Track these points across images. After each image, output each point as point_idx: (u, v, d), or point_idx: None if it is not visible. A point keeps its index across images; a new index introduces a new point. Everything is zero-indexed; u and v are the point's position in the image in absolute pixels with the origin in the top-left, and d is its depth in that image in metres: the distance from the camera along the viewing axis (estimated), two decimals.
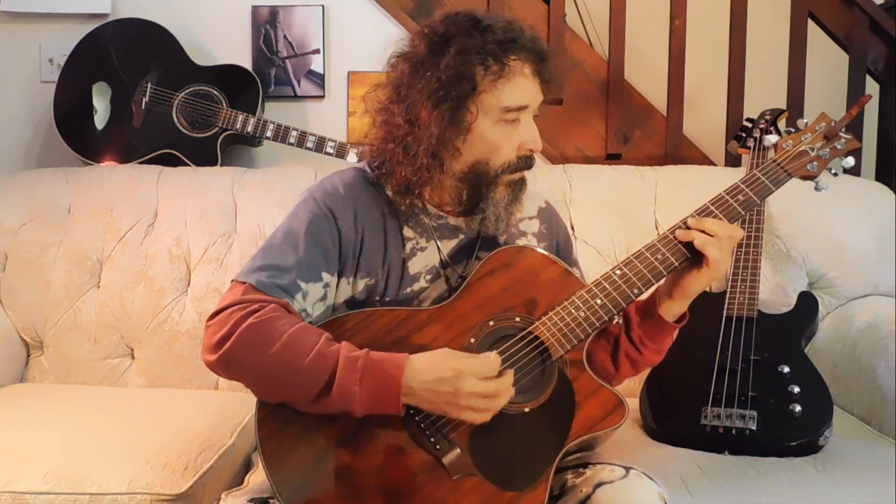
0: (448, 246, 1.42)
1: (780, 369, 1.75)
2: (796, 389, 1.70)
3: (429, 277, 1.40)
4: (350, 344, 1.23)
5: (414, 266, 1.39)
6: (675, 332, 1.45)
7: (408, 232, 1.40)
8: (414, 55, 1.34)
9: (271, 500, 1.28)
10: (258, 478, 1.54)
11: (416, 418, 1.24)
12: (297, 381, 1.21)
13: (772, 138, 1.48)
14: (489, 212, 1.36)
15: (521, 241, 1.48)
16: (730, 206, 1.38)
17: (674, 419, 1.76)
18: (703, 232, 1.34)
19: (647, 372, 1.89)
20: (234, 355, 1.23)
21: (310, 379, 1.20)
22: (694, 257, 1.35)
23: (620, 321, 1.36)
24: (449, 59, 1.30)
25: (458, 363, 1.20)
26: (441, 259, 1.41)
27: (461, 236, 1.43)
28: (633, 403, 1.33)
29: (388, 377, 1.19)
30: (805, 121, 1.46)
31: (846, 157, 1.44)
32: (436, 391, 1.19)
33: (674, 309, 1.41)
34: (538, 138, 1.36)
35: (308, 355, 1.20)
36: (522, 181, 1.40)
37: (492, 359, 1.22)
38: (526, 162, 1.37)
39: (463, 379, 1.18)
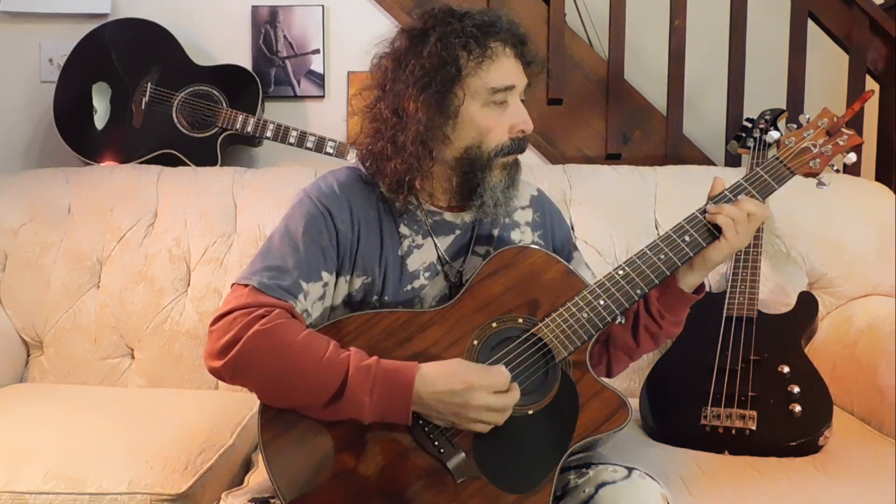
0: (444, 242, 1.42)
1: (780, 369, 1.75)
2: (796, 389, 1.70)
3: (427, 275, 1.40)
4: (360, 351, 1.23)
5: (412, 263, 1.39)
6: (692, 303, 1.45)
7: (404, 229, 1.40)
8: (396, 51, 1.36)
9: (272, 500, 1.28)
10: (258, 478, 1.54)
11: (420, 422, 1.24)
12: (306, 389, 1.21)
13: (774, 134, 1.47)
14: (487, 197, 1.36)
15: (515, 234, 1.48)
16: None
17: (674, 419, 1.76)
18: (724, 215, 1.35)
19: (647, 372, 1.90)
20: (240, 362, 1.22)
21: (319, 387, 1.20)
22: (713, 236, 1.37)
23: (623, 321, 1.36)
24: (431, 47, 1.31)
25: (470, 376, 1.20)
26: (438, 256, 1.41)
27: (457, 232, 1.43)
28: (633, 403, 1.32)
29: (399, 387, 1.19)
30: (807, 116, 1.45)
31: (848, 153, 1.43)
32: (446, 402, 1.20)
33: (691, 280, 1.41)
34: (528, 119, 1.36)
35: (317, 364, 1.20)
36: (517, 164, 1.41)
37: (503, 374, 1.23)
38: (519, 144, 1.37)
39: (473, 392, 1.19)
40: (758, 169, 1.41)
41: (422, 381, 1.20)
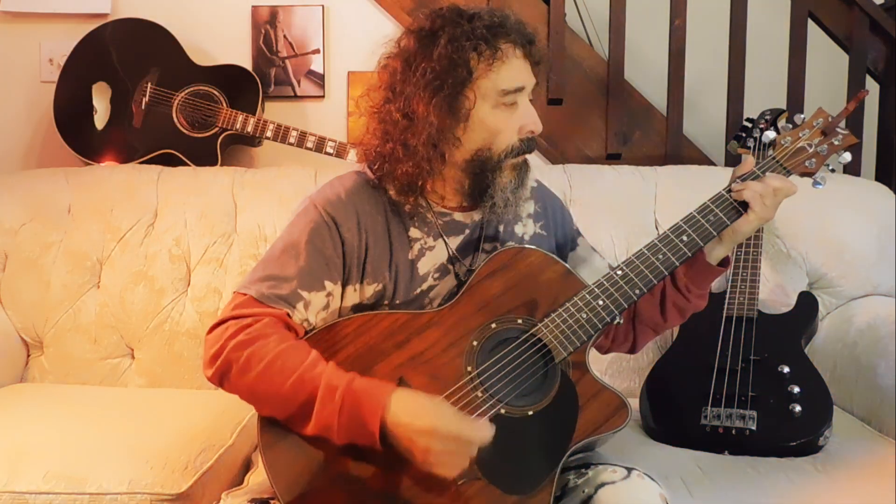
0: (455, 242, 1.42)
1: (780, 369, 1.75)
2: (796, 389, 1.70)
3: (437, 275, 1.39)
4: (336, 367, 1.22)
5: (423, 266, 1.39)
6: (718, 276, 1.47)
7: (414, 233, 1.39)
8: (405, 52, 1.34)
9: (272, 501, 1.28)
10: (258, 478, 1.54)
11: None
12: (277, 404, 1.22)
13: (770, 134, 1.48)
14: (497, 198, 1.36)
15: (518, 227, 1.48)
16: (729, 203, 1.38)
17: (674, 419, 1.76)
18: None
19: (647, 372, 1.90)
20: (224, 373, 1.25)
21: (289, 404, 1.21)
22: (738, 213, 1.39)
23: (621, 321, 1.36)
24: (441, 49, 1.30)
25: (437, 421, 1.16)
26: (449, 255, 1.41)
27: (466, 231, 1.43)
28: (633, 403, 1.32)
29: (366, 414, 1.17)
30: (803, 116, 1.46)
31: (843, 152, 1.44)
32: (410, 439, 1.16)
33: (719, 252, 1.43)
34: (538, 119, 1.36)
35: (289, 380, 1.20)
36: (526, 164, 1.40)
37: (485, 432, 1.17)
38: (528, 145, 1.37)
39: (436, 440, 1.15)
40: (754, 169, 1.41)
41: (390, 412, 1.16)
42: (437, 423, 1.16)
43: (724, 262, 1.45)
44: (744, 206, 1.38)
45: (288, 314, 1.29)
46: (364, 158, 1.42)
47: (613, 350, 1.55)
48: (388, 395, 1.18)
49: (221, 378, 1.26)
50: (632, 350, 1.55)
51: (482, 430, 1.18)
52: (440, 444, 1.16)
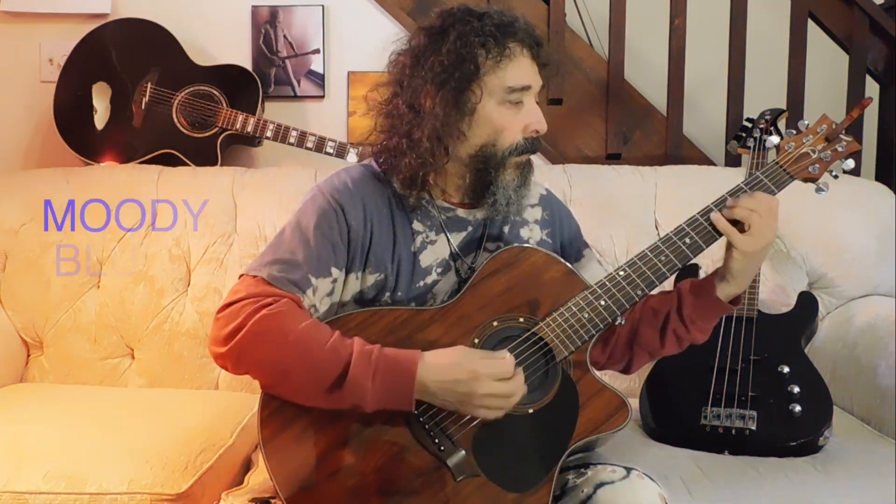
0: (457, 238, 1.43)
1: (780, 369, 1.75)
2: (796, 389, 1.70)
3: (440, 270, 1.40)
4: (362, 339, 1.24)
5: (425, 259, 1.40)
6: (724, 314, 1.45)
7: (417, 226, 1.40)
8: (415, 48, 1.37)
9: (272, 500, 1.28)
10: (258, 477, 1.55)
11: (421, 419, 1.24)
12: (309, 373, 1.21)
13: (773, 139, 1.48)
14: (499, 196, 1.37)
15: (524, 231, 1.49)
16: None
17: (674, 419, 1.76)
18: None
19: (647, 371, 1.90)
20: (245, 347, 1.23)
21: (322, 372, 1.20)
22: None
23: (623, 322, 1.36)
24: (450, 45, 1.32)
25: (475, 365, 1.22)
26: (451, 251, 1.41)
27: (469, 228, 1.44)
28: (633, 403, 1.33)
29: (402, 374, 1.20)
30: (806, 122, 1.46)
31: (846, 159, 1.44)
32: (451, 391, 1.21)
33: (728, 290, 1.40)
34: (542, 119, 1.37)
35: (322, 348, 1.21)
36: (529, 164, 1.41)
37: (507, 360, 1.23)
38: (532, 144, 1.38)
39: (479, 381, 1.20)
40: (758, 173, 1.42)
41: (425, 369, 1.21)
42: (475, 367, 1.21)
43: (735, 301, 1.42)
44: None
45: (300, 299, 1.29)
46: (367, 155, 1.44)
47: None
48: (419, 355, 1.22)
49: (239, 354, 1.23)
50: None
51: (510, 361, 1.23)
52: (483, 387, 1.20)
